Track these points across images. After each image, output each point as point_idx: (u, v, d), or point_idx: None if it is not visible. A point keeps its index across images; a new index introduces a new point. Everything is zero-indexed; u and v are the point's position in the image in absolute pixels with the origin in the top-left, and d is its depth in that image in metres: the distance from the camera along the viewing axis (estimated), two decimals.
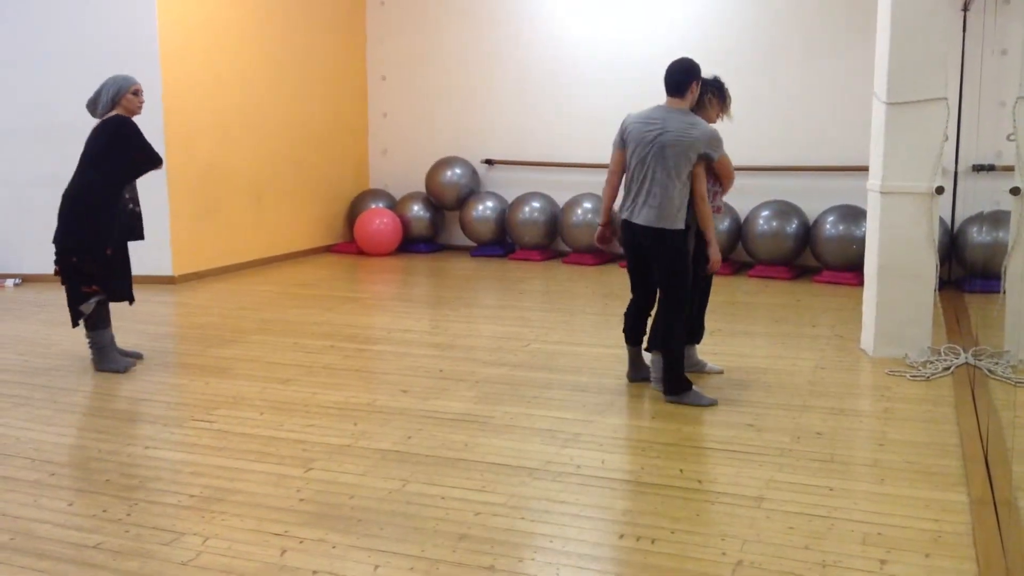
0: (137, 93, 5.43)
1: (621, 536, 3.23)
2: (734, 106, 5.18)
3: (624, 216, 4.79)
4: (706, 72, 4.90)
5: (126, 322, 6.70)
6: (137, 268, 8.09)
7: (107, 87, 5.41)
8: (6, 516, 3.42)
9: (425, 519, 3.37)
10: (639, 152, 4.68)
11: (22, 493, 3.65)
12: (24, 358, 5.81)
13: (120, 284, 5.52)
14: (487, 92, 10.25)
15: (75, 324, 5.46)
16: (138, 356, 5.74)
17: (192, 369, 5.52)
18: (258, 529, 3.30)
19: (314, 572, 2.98)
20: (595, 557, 3.08)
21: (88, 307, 5.41)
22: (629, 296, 5.03)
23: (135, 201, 5.57)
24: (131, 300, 5.66)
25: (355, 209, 10.51)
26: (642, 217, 4.68)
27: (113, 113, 5.38)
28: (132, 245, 5.54)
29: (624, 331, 5.05)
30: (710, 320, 5.16)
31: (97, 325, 5.48)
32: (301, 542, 3.19)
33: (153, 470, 3.88)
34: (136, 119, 5.41)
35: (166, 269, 8.27)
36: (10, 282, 8.27)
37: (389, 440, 4.21)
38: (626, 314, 5.04)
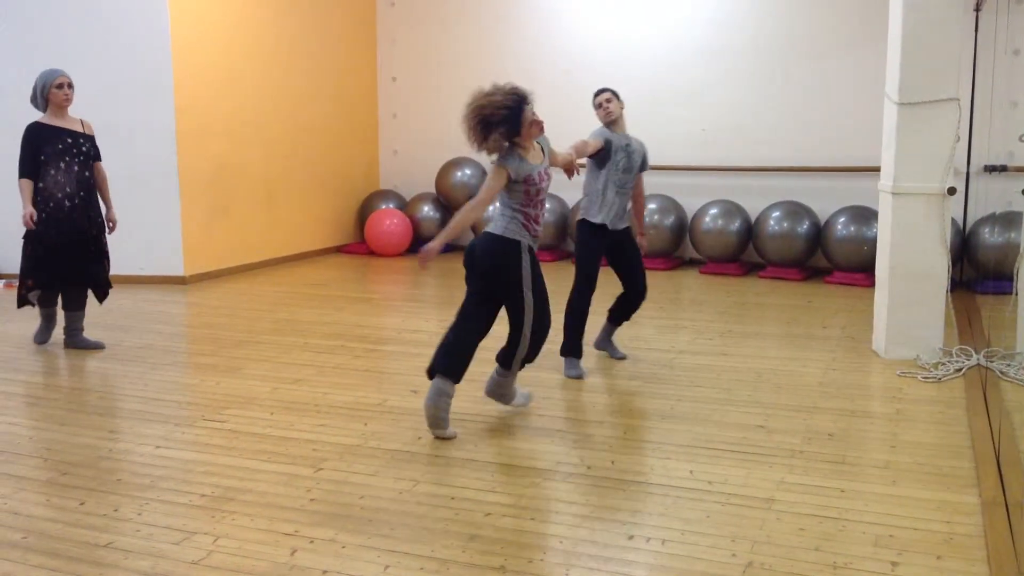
0: (61, 86, 5.73)
1: (631, 537, 3.23)
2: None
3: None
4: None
5: (138, 321, 6.74)
6: (148, 268, 8.24)
7: (36, 83, 5.77)
8: (19, 515, 3.44)
9: (435, 519, 3.37)
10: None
11: (34, 492, 3.67)
12: (36, 357, 5.84)
13: (52, 277, 5.85)
14: None
15: (19, 306, 5.95)
16: (99, 346, 6.03)
17: (203, 369, 5.54)
18: (268, 529, 3.31)
19: (324, 572, 2.98)
20: (605, 558, 3.08)
21: (34, 296, 5.92)
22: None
23: (70, 197, 5.76)
24: (86, 291, 6.02)
25: (365, 210, 10.52)
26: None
27: (36, 119, 5.78)
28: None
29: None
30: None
31: (44, 304, 6.03)
32: (311, 542, 3.20)
33: (164, 469, 3.89)
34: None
35: (177, 269, 8.30)
36: (0, 282, 8.20)
37: (399, 440, 4.22)
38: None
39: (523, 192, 4.28)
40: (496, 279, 4.28)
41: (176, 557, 3.09)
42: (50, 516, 3.43)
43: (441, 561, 3.04)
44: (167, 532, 3.28)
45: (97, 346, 5.99)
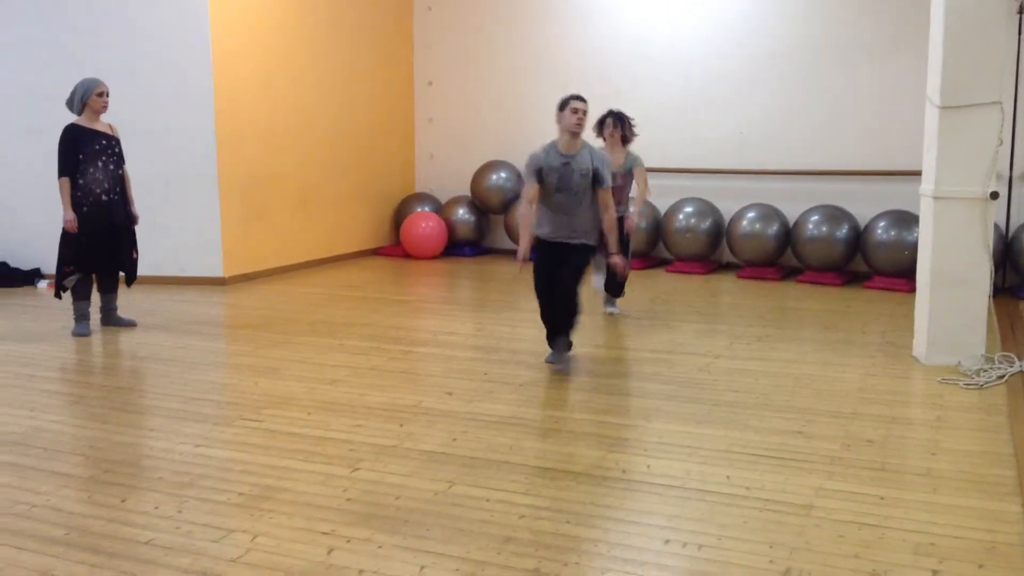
0: (101, 95, 6.30)
1: (667, 541, 3.21)
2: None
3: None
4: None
5: (178, 321, 6.83)
6: (188, 269, 8.35)
7: (77, 89, 6.30)
8: (61, 511, 3.50)
9: (470, 521, 3.38)
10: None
11: (77, 489, 3.73)
12: (79, 356, 5.93)
13: (93, 264, 6.42)
14: (532, 96, 10.26)
15: (58, 295, 6.47)
16: (132, 324, 6.68)
17: (241, 369, 5.60)
18: (306, 528, 3.33)
19: (360, 571, 3.00)
20: (640, 562, 3.07)
21: (69, 282, 6.39)
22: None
23: (107, 192, 6.32)
24: (118, 275, 6.64)
25: (401, 212, 10.58)
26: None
27: (71, 121, 6.28)
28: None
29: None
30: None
31: (78, 296, 6.46)
32: (348, 541, 3.22)
33: (204, 468, 3.94)
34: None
35: (217, 271, 8.39)
36: (42, 283, 8.36)
37: (435, 441, 4.23)
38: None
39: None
40: None
41: (215, 554, 3.12)
42: (92, 513, 3.48)
43: (476, 563, 3.05)
44: (206, 530, 3.32)
45: (130, 323, 6.66)
